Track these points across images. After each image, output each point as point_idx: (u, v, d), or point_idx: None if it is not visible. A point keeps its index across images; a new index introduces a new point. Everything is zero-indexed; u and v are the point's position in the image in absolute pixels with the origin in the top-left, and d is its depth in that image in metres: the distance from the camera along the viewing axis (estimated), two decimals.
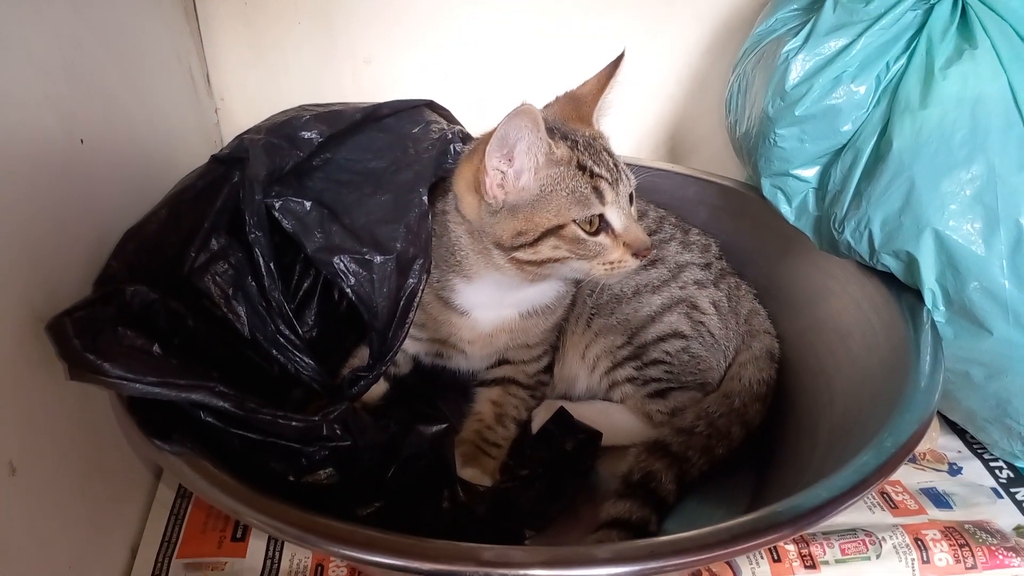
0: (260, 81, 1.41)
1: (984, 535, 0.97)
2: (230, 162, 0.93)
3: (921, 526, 0.99)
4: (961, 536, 0.97)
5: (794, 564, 0.93)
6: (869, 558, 0.94)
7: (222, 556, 0.91)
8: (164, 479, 1.00)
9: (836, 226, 0.95)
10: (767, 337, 1.12)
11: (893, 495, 1.06)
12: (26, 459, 0.70)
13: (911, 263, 0.89)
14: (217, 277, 0.88)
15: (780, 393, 1.08)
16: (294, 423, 0.76)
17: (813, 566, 0.93)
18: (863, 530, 0.97)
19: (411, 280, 0.89)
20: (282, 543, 0.93)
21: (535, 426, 1.04)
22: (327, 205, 0.90)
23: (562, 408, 1.01)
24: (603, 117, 0.97)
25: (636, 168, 0.92)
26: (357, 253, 0.88)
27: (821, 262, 1.06)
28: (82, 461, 0.82)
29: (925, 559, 0.94)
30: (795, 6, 1.06)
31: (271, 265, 0.88)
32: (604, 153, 0.88)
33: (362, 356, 1.02)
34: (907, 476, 1.10)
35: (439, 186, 0.96)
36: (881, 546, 0.95)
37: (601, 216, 0.85)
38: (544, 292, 1.00)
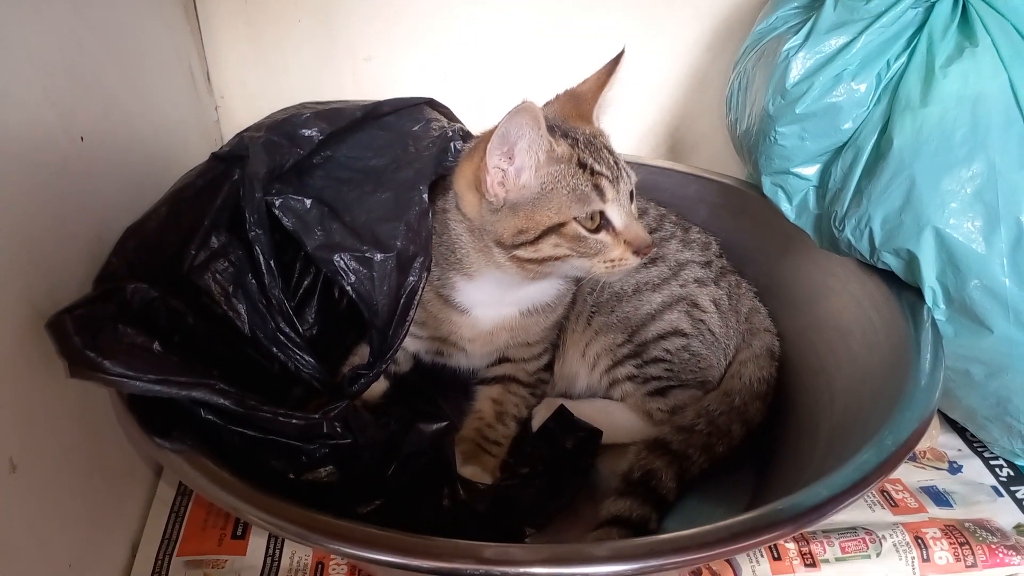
0: (260, 79, 1.41)
1: (984, 533, 0.97)
2: (230, 160, 0.93)
3: (921, 524, 0.99)
4: (961, 534, 0.97)
5: (794, 562, 0.93)
6: (869, 556, 0.94)
7: (222, 554, 0.91)
8: (164, 477, 1.00)
9: (837, 224, 0.95)
10: (767, 335, 1.12)
11: (893, 493, 1.06)
12: (26, 457, 0.70)
13: (912, 261, 0.89)
14: (217, 275, 0.88)
15: (780, 391, 1.08)
16: (294, 421, 0.76)
17: (813, 564, 0.93)
18: (863, 528, 0.97)
19: (411, 278, 0.89)
20: (282, 541, 0.93)
21: (535, 424, 1.04)
22: (327, 203, 0.90)
23: (562, 406, 1.01)
24: (603, 115, 0.97)
25: (636, 166, 0.92)
26: (357, 251, 0.88)
27: (821, 260, 1.06)
28: (82, 459, 0.82)
29: (925, 557, 0.94)
30: (796, 4, 1.06)
31: (271, 263, 0.88)
32: (604, 151, 0.88)
33: (362, 354, 1.02)
34: (907, 474, 1.10)
35: (439, 184, 0.96)
36: (881, 544, 0.95)
37: (602, 213, 0.85)
38: (545, 290, 1.00)
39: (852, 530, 0.97)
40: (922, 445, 1.14)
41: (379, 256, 0.88)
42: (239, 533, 0.94)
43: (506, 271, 0.89)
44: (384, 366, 0.91)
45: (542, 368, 1.11)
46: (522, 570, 0.59)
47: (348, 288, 0.89)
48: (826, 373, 1.01)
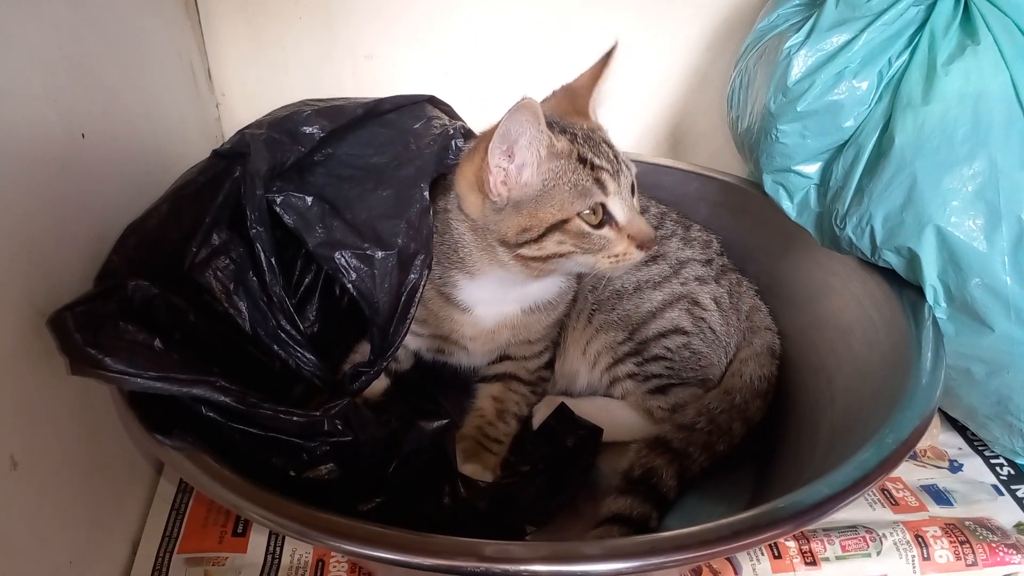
0: (261, 76, 1.41)
1: (985, 532, 0.97)
2: (231, 157, 0.93)
3: (922, 523, 0.99)
4: (962, 533, 0.97)
5: (795, 560, 0.93)
6: (870, 555, 0.94)
7: (223, 551, 0.91)
8: (165, 474, 1.00)
9: (838, 222, 0.95)
10: (768, 333, 1.12)
11: (894, 492, 1.06)
12: (27, 454, 0.70)
13: (913, 259, 0.89)
14: (218, 272, 0.88)
15: (781, 390, 1.08)
16: (295, 418, 0.76)
17: (814, 563, 0.93)
18: (864, 527, 0.97)
19: (412, 276, 0.89)
20: (283, 538, 0.93)
21: (536, 422, 1.04)
22: (328, 200, 0.90)
23: (563, 404, 1.01)
24: (600, 108, 0.96)
25: (637, 164, 0.92)
26: (358, 248, 0.88)
27: (822, 259, 1.06)
28: (83, 456, 0.82)
29: (926, 556, 0.94)
30: (797, 2, 1.06)
31: (272, 260, 0.88)
32: (604, 145, 0.88)
33: (363, 352, 1.02)
34: (908, 473, 1.10)
35: (440, 183, 0.96)
36: (882, 543, 0.95)
37: (604, 207, 0.84)
38: (546, 288, 1.00)
39: (852, 528, 0.97)
40: (923, 444, 1.14)
41: (380, 254, 0.88)
42: (240, 531, 0.94)
43: (510, 269, 0.89)
44: (385, 364, 0.91)
45: (543, 366, 1.11)
46: (523, 568, 0.59)
47: (349, 286, 0.89)
48: (827, 371, 1.01)
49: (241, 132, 0.94)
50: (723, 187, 1.27)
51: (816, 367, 1.04)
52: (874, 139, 0.91)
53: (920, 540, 0.95)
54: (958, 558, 0.94)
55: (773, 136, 0.99)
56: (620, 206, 0.85)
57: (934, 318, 0.89)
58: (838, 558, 0.93)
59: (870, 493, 1.05)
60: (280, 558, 0.91)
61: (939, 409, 1.08)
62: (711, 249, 1.17)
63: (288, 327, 0.90)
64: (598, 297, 1.08)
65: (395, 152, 0.95)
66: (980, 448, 1.16)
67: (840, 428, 0.88)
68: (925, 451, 1.15)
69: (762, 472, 1.00)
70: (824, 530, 0.96)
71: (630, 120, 1.53)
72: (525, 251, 0.85)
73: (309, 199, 0.90)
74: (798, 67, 0.94)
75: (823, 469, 0.71)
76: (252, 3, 1.33)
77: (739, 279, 1.17)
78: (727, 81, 1.22)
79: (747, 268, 1.20)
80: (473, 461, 0.96)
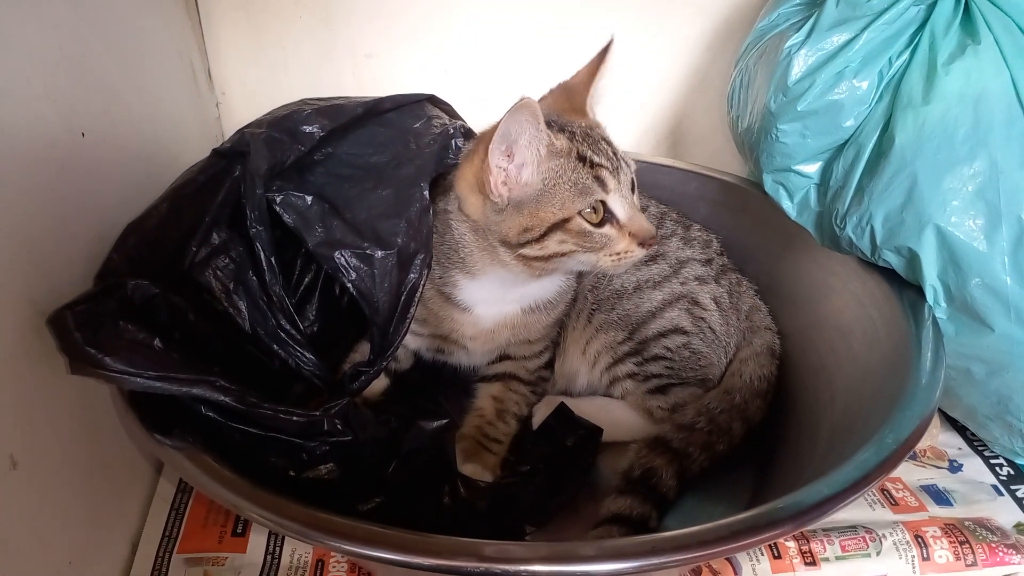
0: (261, 75, 1.41)
1: (984, 532, 0.97)
2: (231, 156, 0.93)
3: (921, 523, 0.99)
4: (961, 533, 0.97)
5: (794, 561, 0.93)
6: (869, 555, 0.94)
7: (223, 551, 0.91)
8: (165, 474, 1.00)
9: (838, 222, 0.95)
10: (768, 333, 1.12)
11: (894, 492, 1.06)
12: (27, 453, 0.70)
13: (913, 259, 0.89)
14: (218, 271, 0.88)
15: (781, 390, 1.08)
16: (295, 418, 0.76)
17: (813, 563, 0.93)
18: (863, 527, 0.97)
19: (412, 275, 0.89)
20: (283, 538, 0.93)
21: (536, 422, 1.04)
22: (328, 199, 0.90)
23: (563, 404, 1.01)
24: (597, 105, 0.96)
25: (637, 164, 0.92)
26: (358, 248, 0.88)
27: (822, 258, 1.06)
28: (83, 455, 0.82)
29: (925, 556, 0.94)
30: (797, 1, 1.05)
31: (272, 260, 0.88)
32: (603, 142, 0.88)
33: (363, 351, 1.02)
34: (908, 473, 1.10)
35: (439, 183, 0.96)
36: (881, 543, 0.95)
37: (605, 205, 0.84)
38: (546, 287, 1.00)
39: (852, 528, 0.97)
40: (922, 444, 1.14)
41: (380, 253, 0.88)
42: (239, 530, 0.94)
43: (511, 269, 0.89)
44: (385, 363, 0.91)
45: (543, 366, 1.11)
46: (522, 568, 0.59)
47: (349, 285, 0.89)
48: (827, 371, 1.01)
49: (241, 131, 0.94)
50: (723, 187, 1.27)
51: (816, 367, 1.04)
52: (874, 139, 0.91)
53: (920, 540, 0.95)
54: (958, 558, 0.94)
55: (773, 135, 0.99)
56: (620, 203, 0.85)
57: (934, 318, 0.89)
58: (838, 558, 0.93)
59: (870, 493, 1.05)
60: (280, 558, 0.91)
61: (939, 409, 1.08)
62: (711, 249, 1.17)
63: (288, 326, 0.90)
64: (598, 297, 1.08)
65: (395, 151, 0.95)
66: (980, 448, 1.16)
67: (840, 428, 0.88)
68: (925, 451, 1.15)
69: (762, 472, 1.00)
70: (824, 530, 0.96)
71: (630, 120, 1.53)
72: (527, 251, 0.85)
73: (309, 198, 0.90)
74: (798, 66, 0.94)
75: (823, 469, 0.71)
76: (252, 3, 1.33)
77: (739, 279, 1.17)
78: (727, 81, 1.22)
79: (747, 268, 1.20)
80: (473, 461, 0.96)
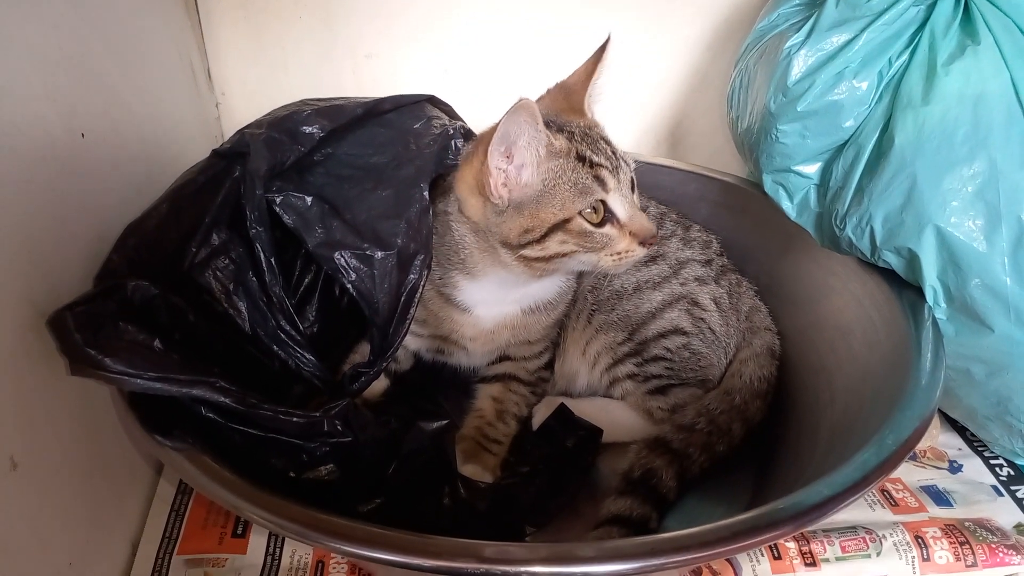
0: (261, 76, 1.41)
1: (984, 533, 0.97)
2: (231, 157, 0.93)
3: (921, 524, 0.99)
4: (961, 534, 0.97)
5: (795, 561, 0.93)
6: (869, 556, 0.94)
7: (223, 552, 0.91)
8: (165, 475, 1.00)
9: (838, 223, 0.95)
10: (768, 334, 1.12)
11: (894, 492, 1.06)
12: (27, 455, 0.70)
13: (912, 260, 0.89)
14: (218, 272, 0.88)
15: (781, 390, 1.08)
16: (295, 419, 0.76)
17: (813, 563, 0.93)
18: (864, 528, 0.97)
19: (412, 276, 0.89)
20: (283, 539, 0.93)
21: (536, 422, 1.04)
22: (328, 200, 0.90)
23: (563, 404, 1.01)
24: (596, 104, 0.96)
25: (637, 164, 0.92)
26: (358, 249, 0.88)
27: (822, 259, 1.06)
28: (83, 457, 0.82)
29: (925, 557, 0.94)
30: (797, 1, 1.06)
31: (272, 260, 0.88)
32: (601, 142, 0.88)
33: (363, 352, 1.02)
34: (908, 474, 1.10)
35: (439, 184, 0.96)
36: (881, 544, 0.95)
37: (605, 204, 0.84)
38: (547, 288, 1.00)
39: (852, 529, 0.97)
40: (922, 444, 1.14)
41: (380, 254, 0.88)
42: (239, 532, 0.94)
43: (512, 270, 0.89)
44: (385, 364, 0.91)
45: (543, 366, 1.11)
46: (522, 569, 0.59)
47: (349, 286, 0.89)
48: (827, 372, 1.01)
49: (241, 132, 0.94)
50: (723, 187, 1.27)
51: (816, 367, 1.04)
52: (874, 139, 0.91)
53: (920, 541, 0.95)
54: (958, 559, 0.94)
55: (773, 136, 0.99)
56: (621, 202, 0.85)
57: (934, 319, 0.89)
58: (838, 559, 0.93)
59: (870, 494, 1.05)
60: (280, 559, 0.91)
61: (939, 410, 1.08)
62: (711, 249, 1.17)
63: (288, 327, 0.90)
64: (598, 298, 1.08)
65: (395, 152, 0.95)
66: (980, 449, 1.16)
67: (840, 429, 0.88)
68: (925, 452, 1.15)
69: (762, 473, 1.00)
70: (824, 531, 0.96)
71: (630, 120, 1.53)
72: (528, 252, 0.85)
73: (309, 199, 0.90)
74: (798, 67, 0.94)
75: (823, 470, 0.71)
76: (252, 3, 1.33)
77: (739, 279, 1.17)
78: (727, 81, 1.22)
79: (747, 268, 1.20)
80: (473, 462, 0.96)
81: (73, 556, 0.78)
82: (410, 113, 1.02)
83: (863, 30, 0.90)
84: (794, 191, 1.02)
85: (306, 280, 0.98)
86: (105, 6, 0.95)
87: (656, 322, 1.07)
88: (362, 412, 0.85)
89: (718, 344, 1.09)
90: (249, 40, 1.37)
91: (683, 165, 1.34)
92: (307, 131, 0.92)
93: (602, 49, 0.94)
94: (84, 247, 0.83)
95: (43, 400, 0.75)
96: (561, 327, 1.10)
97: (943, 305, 0.90)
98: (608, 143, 0.89)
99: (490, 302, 0.99)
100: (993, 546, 0.95)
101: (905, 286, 0.93)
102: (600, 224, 0.84)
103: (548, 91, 0.97)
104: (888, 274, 0.95)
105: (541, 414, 1.05)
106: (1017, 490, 1.08)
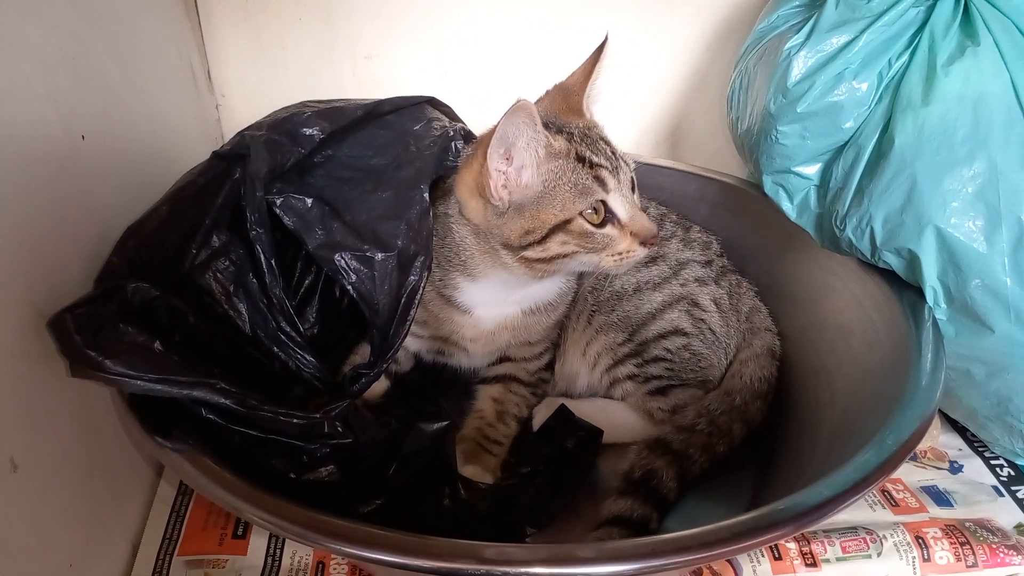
0: (261, 77, 1.41)
1: (985, 533, 0.97)
2: (231, 158, 0.93)
3: (922, 524, 0.99)
4: (962, 534, 0.97)
5: (795, 562, 0.93)
6: (870, 556, 0.94)
7: (223, 553, 0.91)
8: (165, 476, 1.00)
9: (838, 223, 0.95)
10: (768, 335, 1.12)
11: (894, 493, 1.06)
12: (27, 456, 0.70)
13: (913, 260, 0.89)
14: (218, 274, 0.88)
15: (781, 391, 1.08)
16: (295, 420, 0.76)
17: (814, 564, 0.93)
18: (864, 528, 0.97)
19: (412, 277, 0.89)
20: (283, 540, 0.93)
21: (536, 423, 1.04)
22: (328, 202, 0.90)
23: (563, 405, 1.01)
24: (595, 105, 0.96)
25: (637, 165, 0.92)
26: (358, 250, 0.88)
27: (822, 259, 1.06)
28: (83, 458, 0.82)
29: (926, 557, 0.94)
30: (797, 3, 1.06)
31: (272, 262, 0.88)
32: (601, 142, 0.88)
33: (363, 353, 1.02)
34: (908, 474, 1.10)
35: (439, 186, 0.96)
36: (882, 544, 0.95)
37: (605, 204, 0.84)
38: (547, 289, 1.00)
39: (853, 530, 0.97)
40: (923, 445, 1.14)
41: (380, 255, 0.88)
42: (240, 533, 0.94)
43: (513, 272, 0.89)
44: (385, 365, 0.91)
45: (543, 367, 1.11)
46: (523, 570, 0.59)
47: (349, 287, 0.89)
48: (827, 372, 1.01)
49: (241, 133, 0.94)
50: (723, 188, 1.27)
51: (816, 368, 1.04)
52: (874, 140, 0.91)
53: (920, 541, 0.95)
54: (958, 559, 0.94)
55: (773, 137, 0.99)
56: (621, 203, 0.85)
57: (934, 319, 0.89)
58: (838, 559, 0.93)
59: (870, 494, 1.05)
60: (280, 560, 0.91)
61: (939, 410, 1.08)
62: (711, 250, 1.17)
63: (288, 329, 0.90)
64: (598, 298, 1.08)
65: (395, 154, 0.95)
66: (980, 449, 1.16)
67: (840, 429, 0.88)
68: (925, 452, 1.15)
69: (762, 473, 1.00)
70: (824, 531, 0.96)
71: (630, 120, 1.53)
72: (529, 253, 0.85)
73: (309, 201, 0.90)
74: (798, 68, 0.94)
75: (823, 470, 0.71)
76: (252, 3, 1.33)
77: (739, 280, 1.17)
78: (727, 81, 1.22)
79: (747, 269, 1.20)
80: (473, 463, 0.96)
81: (73, 557, 0.78)
82: (410, 115, 1.02)
83: (863, 31, 0.90)
84: (794, 192, 1.02)
85: (306, 281, 0.98)
86: (105, 6, 0.95)
87: (656, 323, 1.07)
88: (362, 413, 0.85)
89: (718, 345, 1.09)
90: (249, 41, 1.37)
91: (683, 166, 1.34)
92: (307, 133, 0.92)
93: (600, 50, 0.94)
94: (84, 249, 0.83)
95: (43, 401, 0.75)
96: (561, 328, 1.10)
97: (943, 306, 0.90)
98: (608, 143, 0.89)
99: (490, 303, 0.99)
100: (994, 546, 0.95)
101: (905, 286, 0.93)
102: (601, 224, 0.84)
103: (547, 92, 0.97)
104: (888, 274, 0.95)
105: (541, 415, 1.05)
106: (1017, 490, 1.08)
